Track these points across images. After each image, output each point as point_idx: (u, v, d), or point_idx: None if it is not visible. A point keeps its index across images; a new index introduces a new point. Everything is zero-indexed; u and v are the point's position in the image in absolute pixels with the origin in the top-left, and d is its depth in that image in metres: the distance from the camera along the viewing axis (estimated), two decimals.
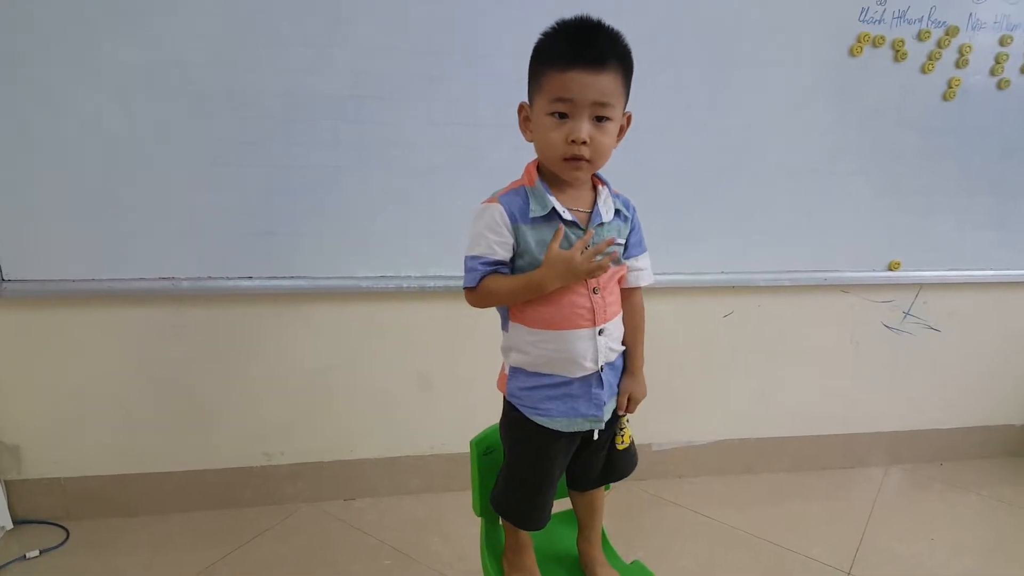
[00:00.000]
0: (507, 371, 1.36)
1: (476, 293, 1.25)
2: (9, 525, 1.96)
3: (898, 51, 2.01)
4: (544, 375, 1.29)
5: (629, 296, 1.38)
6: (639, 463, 1.48)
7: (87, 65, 1.66)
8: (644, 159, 1.97)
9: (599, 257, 1.20)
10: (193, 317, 1.92)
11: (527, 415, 1.31)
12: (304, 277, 1.90)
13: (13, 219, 1.74)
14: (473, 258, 1.23)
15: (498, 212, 1.21)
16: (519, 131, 1.25)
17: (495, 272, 1.23)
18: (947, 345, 2.43)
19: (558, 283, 1.21)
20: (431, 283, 1.96)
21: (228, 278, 1.86)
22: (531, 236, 1.21)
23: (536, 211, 1.21)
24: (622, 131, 1.27)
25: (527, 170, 1.28)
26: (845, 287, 2.29)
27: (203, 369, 1.97)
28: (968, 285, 2.34)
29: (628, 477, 1.47)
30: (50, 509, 1.99)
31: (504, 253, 1.22)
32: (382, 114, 1.81)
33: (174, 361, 1.95)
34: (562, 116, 1.18)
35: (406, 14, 1.75)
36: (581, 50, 1.15)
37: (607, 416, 1.35)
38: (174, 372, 1.95)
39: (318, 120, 1.79)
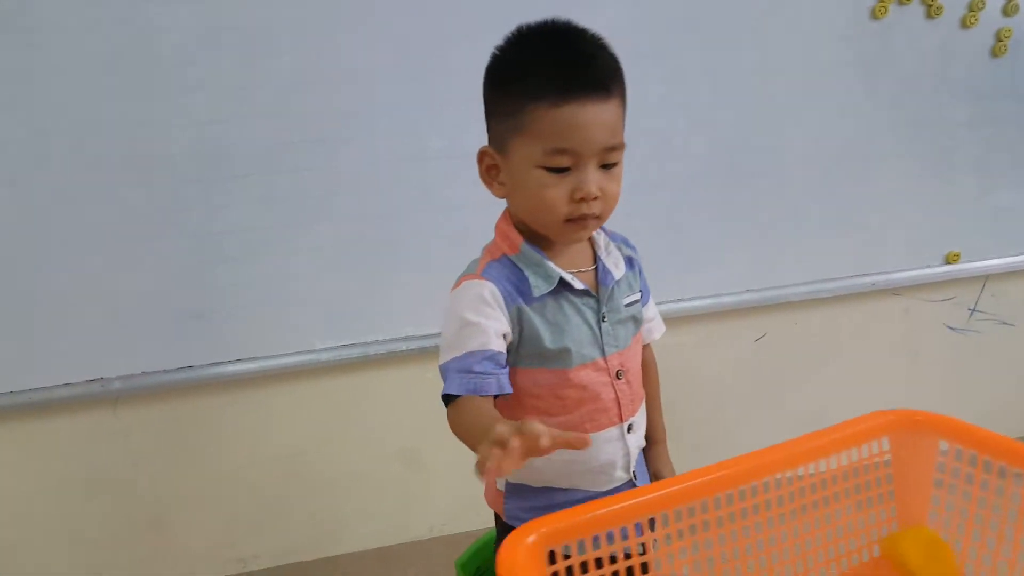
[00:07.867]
0: (501, 487, 1.02)
1: (452, 410, 0.86)
2: None
3: (931, 6, 1.70)
4: (558, 490, 0.97)
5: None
6: None
7: None
8: (632, 173, 1.65)
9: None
10: (133, 419, 1.65)
11: None
12: (252, 359, 1.62)
13: None
14: (457, 359, 0.87)
15: (487, 289, 0.89)
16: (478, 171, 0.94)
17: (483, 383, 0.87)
18: None
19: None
20: (402, 346, 1.66)
21: (165, 371, 1.59)
22: (537, 319, 0.90)
23: (540, 287, 0.90)
24: None
25: (502, 231, 0.96)
26: (896, 289, 1.96)
27: (154, 475, 1.70)
28: None
29: None
30: None
31: (499, 343, 0.88)
32: (317, 158, 1.53)
33: (120, 470, 1.68)
34: (561, 169, 0.86)
35: (335, 39, 1.49)
36: (578, 70, 0.84)
37: None
38: (121, 482, 1.69)
39: (242, 175, 1.52)
